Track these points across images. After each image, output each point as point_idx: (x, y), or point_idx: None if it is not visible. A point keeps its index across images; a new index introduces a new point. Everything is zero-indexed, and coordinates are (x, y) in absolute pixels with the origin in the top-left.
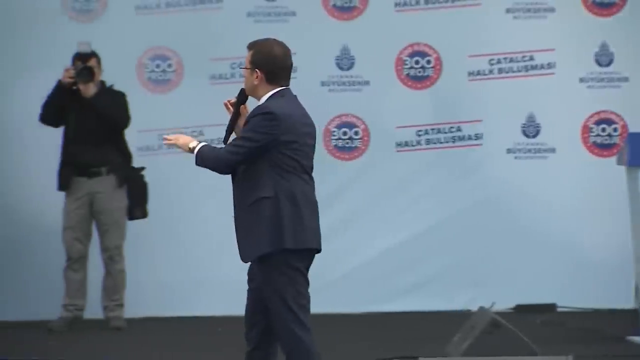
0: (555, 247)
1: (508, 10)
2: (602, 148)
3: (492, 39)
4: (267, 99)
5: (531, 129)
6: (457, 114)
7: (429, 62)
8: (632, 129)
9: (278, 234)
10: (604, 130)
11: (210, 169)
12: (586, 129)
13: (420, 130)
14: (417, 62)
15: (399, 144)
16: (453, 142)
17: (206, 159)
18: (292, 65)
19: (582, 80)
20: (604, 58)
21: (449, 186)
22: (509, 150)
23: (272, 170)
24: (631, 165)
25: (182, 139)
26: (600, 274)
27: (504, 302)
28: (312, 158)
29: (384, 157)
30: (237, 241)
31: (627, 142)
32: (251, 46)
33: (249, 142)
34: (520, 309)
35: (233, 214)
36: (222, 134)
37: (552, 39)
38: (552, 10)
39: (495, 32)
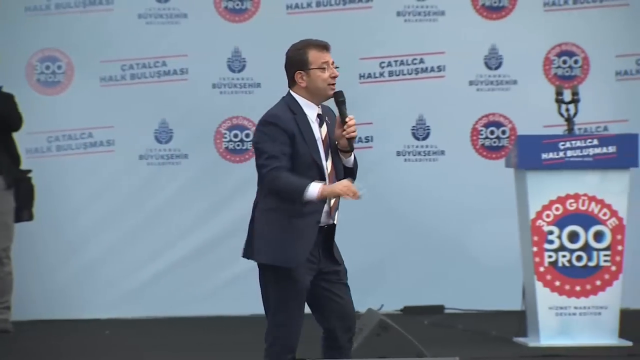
0: (444, 249)
1: (399, 13)
2: (491, 150)
3: (382, 42)
4: None
5: (421, 131)
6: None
7: None
8: (521, 131)
9: None
10: (492, 132)
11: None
12: (475, 132)
13: None
14: None
15: None
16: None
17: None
18: None
19: (471, 83)
20: (493, 61)
21: None
22: (399, 153)
23: None
24: (520, 168)
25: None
26: (489, 275)
27: (393, 304)
28: None
29: None
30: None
31: (516, 144)
32: None
33: None
34: (409, 311)
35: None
36: (111, 137)
37: (442, 42)
38: (442, 13)
39: (386, 35)
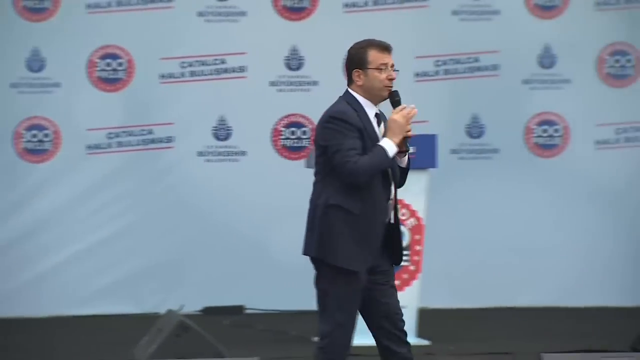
0: (244, 250)
1: (200, 14)
2: (292, 151)
3: (184, 42)
4: None
5: (222, 131)
6: (149, 117)
7: (120, 64)
8: None
9: None
10: (293, 133)
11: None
12: (277, 132)
13: (111, 133)
14: (108, 65)
15: (89, 147)
16: (145, 144)
17: None
18: None
19: (272, 83)
20: (294, 62)
21: (141, 189)
22: (200, 153)
23: None
24: None
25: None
26: (289, 275)
27: (193, 305)
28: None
29: (75, 160)
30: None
31: None
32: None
33: None
34: (209, 311)
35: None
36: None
37: (244, 42)
38: (243, 14)
39: (187, 35)
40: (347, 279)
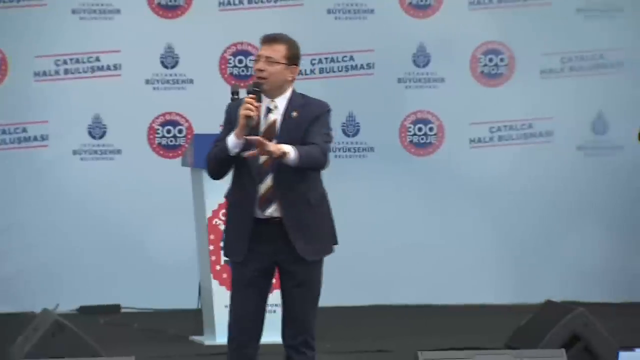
0: (120, 248)
1: (74, 11)
2: (167, 149)
3: (58, 40)
4: (293, 95)
5: (97, 130)
6: (23, 115)
7: None
8: (198, 130)
9: (334, 230)
10: (169, 131)
11: (316, 166)
12: (152, 131)
13: None
14: None
15: None
16: (19, 143)
17: (313, 156)
18: None
19: (148, 82)
20: (169, 60)
21: (15, 188)
22: (75, 152)
23: None
24: (196, 167)
25: (274, 146)
26: (165, 274)
27: (69, 304)
28: None
29: None
30: (297, 240)
31: (192, 143)
32: (280, 40)
33: (330, 138)
34: (85, 311)
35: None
36: None
37: (118, 40)
38: (117, 11)
39: (62, 33)
40: (234, 267)
